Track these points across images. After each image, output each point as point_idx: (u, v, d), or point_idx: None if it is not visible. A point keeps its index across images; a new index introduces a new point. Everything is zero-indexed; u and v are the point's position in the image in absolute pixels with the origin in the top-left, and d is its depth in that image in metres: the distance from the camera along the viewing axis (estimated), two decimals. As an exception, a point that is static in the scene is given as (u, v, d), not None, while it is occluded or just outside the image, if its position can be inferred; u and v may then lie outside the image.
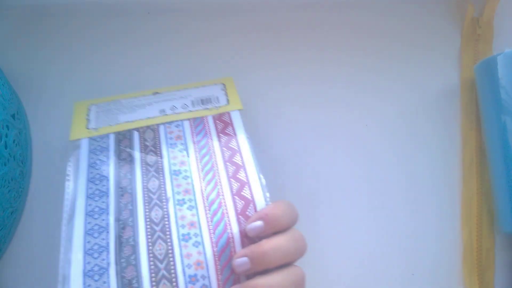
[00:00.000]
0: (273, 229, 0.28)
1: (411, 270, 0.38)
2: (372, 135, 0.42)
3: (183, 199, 0.31)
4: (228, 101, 0.38)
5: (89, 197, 0.31)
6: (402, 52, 0.44)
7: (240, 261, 0.27)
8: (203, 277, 0.28)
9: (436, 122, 0.42)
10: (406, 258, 0.38)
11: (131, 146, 0.35)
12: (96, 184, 0.32)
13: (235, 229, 0.29)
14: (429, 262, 0.39)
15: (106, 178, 0.33)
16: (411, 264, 0.38)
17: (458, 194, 0.40)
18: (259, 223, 0.28)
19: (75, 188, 0.32)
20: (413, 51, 0.44)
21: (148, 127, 0.36)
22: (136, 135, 0.36)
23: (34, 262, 0.37)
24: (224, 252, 0.29)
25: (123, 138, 0.35)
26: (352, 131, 0.42)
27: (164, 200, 0.31)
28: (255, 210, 0.30)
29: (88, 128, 0.36)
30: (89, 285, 0.27)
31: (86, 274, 0.28)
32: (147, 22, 0.45)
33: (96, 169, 0.33)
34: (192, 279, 0.28)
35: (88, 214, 0.30)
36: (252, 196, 0.31)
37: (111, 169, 0.33)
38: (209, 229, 0.29)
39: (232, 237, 0.29)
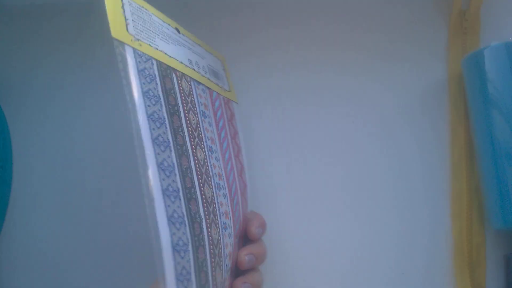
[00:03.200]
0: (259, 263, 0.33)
1: (402, 269, 0.37)
2: (359, 131, 0.41)
3: (219, 184, 0.30)
4: (229, 87, 0.38)
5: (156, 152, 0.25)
6: (389, 46, 0.42)
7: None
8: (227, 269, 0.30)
9: (424, 117, 0.41)
10: (396, 257, 0.38)
11: (174, 92, 0.29)
12: (158, 128, 0.26)
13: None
14: (420, 260, 0.37)
15: (165, 125, 0.26)
16: (401, 263, 0.37)
17: (447, 190, 0.39)
18: (251, 258, 0.31)
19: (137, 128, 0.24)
20: (400, 45, 0.42)
21: (183, 75, 0.31)
22: (174, 79, 0.30)
23: (16, 267, 0.37)
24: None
25: (165, 76, 0.29)
26: (339, 127, 0.41)
27: (210, 178, 0.29)
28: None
29: (129, 33, 0.27)
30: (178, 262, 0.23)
31: (174, 248, 0.23)
32: None
33: (154, 104, 0.26)
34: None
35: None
36: (246, 201, 0.35)
37: (165, 114, 0.27)
38: (234, 224, 0.31)
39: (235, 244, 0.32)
